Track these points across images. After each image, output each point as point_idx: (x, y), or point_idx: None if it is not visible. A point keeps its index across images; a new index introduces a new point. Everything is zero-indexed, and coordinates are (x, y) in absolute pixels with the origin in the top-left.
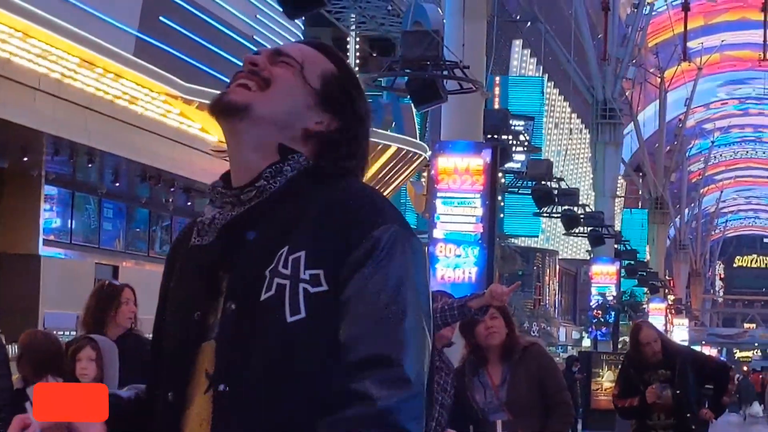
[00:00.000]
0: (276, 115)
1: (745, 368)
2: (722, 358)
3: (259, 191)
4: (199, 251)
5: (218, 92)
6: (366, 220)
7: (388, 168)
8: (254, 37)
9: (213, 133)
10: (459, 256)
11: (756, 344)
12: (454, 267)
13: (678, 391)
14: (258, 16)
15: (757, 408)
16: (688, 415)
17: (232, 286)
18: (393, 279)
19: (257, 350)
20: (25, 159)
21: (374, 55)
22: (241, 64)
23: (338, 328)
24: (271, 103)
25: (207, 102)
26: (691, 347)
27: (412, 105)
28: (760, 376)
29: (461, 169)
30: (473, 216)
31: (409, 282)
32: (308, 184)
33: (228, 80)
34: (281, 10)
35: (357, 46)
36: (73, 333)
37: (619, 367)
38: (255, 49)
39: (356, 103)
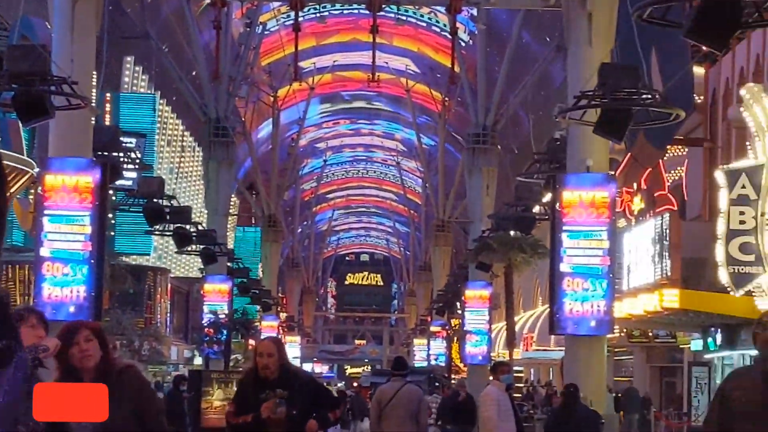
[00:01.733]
0: None
1: (355, 384)
2: (332, 374)
3: None
4: None
5: None
6: None
7: None
8: None
9: None
10: (67, 274)
11: (366, 360)
12: (62, 286)
13: (294, 412)
14: None
15: (366, 425)
16: None
17: None
18: None
19: None
20: None
21: None
22: None
23: None
24: None
25: None
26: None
27: (19, 121)
28: (369, 392)
29: (70, 186)
30: (82, 234)
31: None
32: None
33: None
34: None
35: None
36: None
37: (237, 385)
38: None
39: None
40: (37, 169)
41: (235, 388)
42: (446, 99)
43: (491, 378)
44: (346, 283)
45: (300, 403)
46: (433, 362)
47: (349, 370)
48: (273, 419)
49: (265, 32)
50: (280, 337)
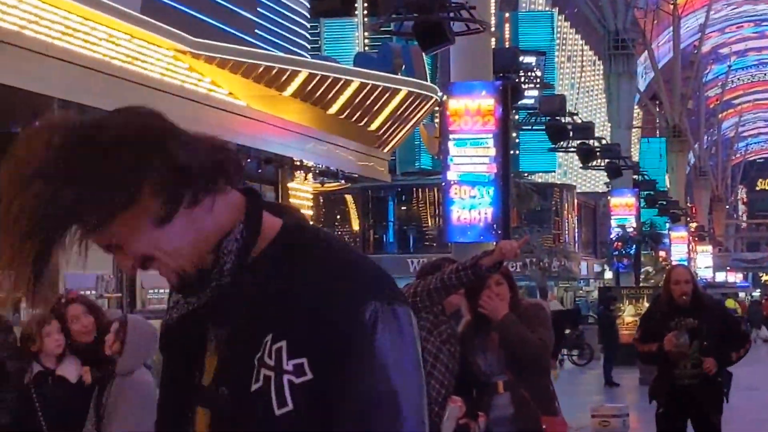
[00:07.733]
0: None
1: (758, 291)
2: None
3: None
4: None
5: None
6: (343, 297)
7: (399, 111)
8: None
9: (224, 86)
10: (474, 197)
11: None
12: (470, 208)
13: (705, 343)
14: None
15: (765, 332)
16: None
17: (221, 371)
18: (379, 369)
19: None
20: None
21: None
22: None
23: (328, 418)
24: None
25: (215, 55)
26: (724, 304)
27: (420, 48)
28: None
29: (472, 110)
30: (487, 156)
31: (397, 368)
32: (271, 254)
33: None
34: None
35: None
36: None
37: (647, 310)
38: None
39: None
40: (440, 95)
41: (646, 304)
42: None
43: None
44: (757, 188)
45: (711, 333)
46: None
47: (765, 278)
48: (674, 352)
49: None
50: (691, 246)
